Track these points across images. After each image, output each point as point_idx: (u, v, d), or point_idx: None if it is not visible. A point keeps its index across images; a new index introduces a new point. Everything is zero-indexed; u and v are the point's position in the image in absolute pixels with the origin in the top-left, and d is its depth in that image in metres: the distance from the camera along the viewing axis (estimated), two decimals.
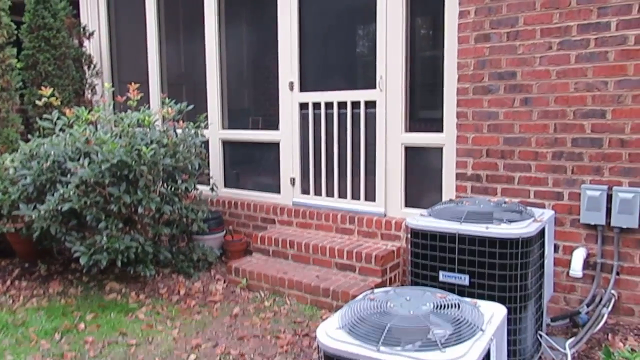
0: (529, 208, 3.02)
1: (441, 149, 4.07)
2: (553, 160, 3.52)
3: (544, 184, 3.56)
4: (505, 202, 3.04)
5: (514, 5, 3.55)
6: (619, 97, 3.27)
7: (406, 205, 4.31)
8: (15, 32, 5.30)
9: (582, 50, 3.36)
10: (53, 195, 3.97)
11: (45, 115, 4.45)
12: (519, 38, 3.56)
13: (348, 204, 4.58)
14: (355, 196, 4.55)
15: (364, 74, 4.44)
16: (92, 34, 6.28)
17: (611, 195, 3.31)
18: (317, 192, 4.78)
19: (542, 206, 3.55)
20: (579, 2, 3.34)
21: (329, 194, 4.70)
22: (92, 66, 6.21)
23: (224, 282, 4.42)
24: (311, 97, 4.71)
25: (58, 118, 4.36)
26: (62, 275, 4.61)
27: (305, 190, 4.85)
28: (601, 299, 3.35)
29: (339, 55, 4.61)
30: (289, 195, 4.94)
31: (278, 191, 5.04)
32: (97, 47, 6.39)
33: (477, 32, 3.71)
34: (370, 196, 4.46)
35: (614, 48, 3.26)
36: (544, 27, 3.46)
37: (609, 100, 3.30)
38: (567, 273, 3.45)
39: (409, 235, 2.85)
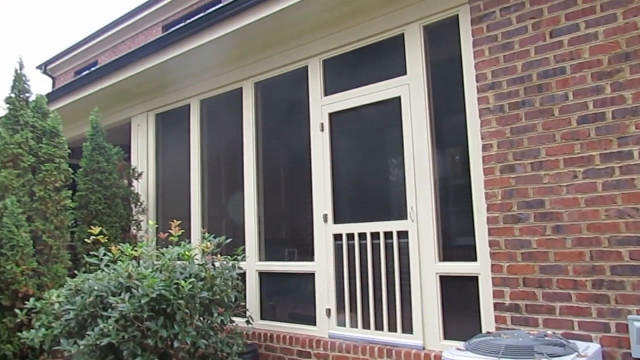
0: (571, 341, 2.90)
1: (477, 277, 4.02)
2: (594, 289, 3.42)
3: (587, 315, 3.43)
4: (546, 335, 2.94)
5: (534, 138, 3.71)
6: None
7: (445, 337, 4.17)
8: (72, 175, 5.79)
9: (608, 179, 3.41)
10: (93, 330, 4.05)
11: (92, 252, 4.68)
12: (543, 168, 3.66)
13: (385, 336, 4.46)
14: (392, 328, 4.44)
15: (395, 206, 4.57)
16: (140, 174, 6.77)
17: None
18: (353, 324, 4.70)
19: (589, 338, 3.38)
20: (598, 133, 3.46)
21: (365, 325, 4.62)
22: (139, 203, 6.61)
23: None
24: (345, 228, 4.83)
25: (104, 254, 4.58)
26: None
27: (341, 322, 4.78)
28: None
29: (370, 188, 4.79)
30: (325, 326, 4.87)
31: (314, 322, 4.98)
32: (145, 186, 6.85)
33: (502, 164, 3.84)
34: (407, 327, 4.35)
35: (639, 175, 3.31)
36: (567, 157, 3.57)
37: None
38: None
39: None
